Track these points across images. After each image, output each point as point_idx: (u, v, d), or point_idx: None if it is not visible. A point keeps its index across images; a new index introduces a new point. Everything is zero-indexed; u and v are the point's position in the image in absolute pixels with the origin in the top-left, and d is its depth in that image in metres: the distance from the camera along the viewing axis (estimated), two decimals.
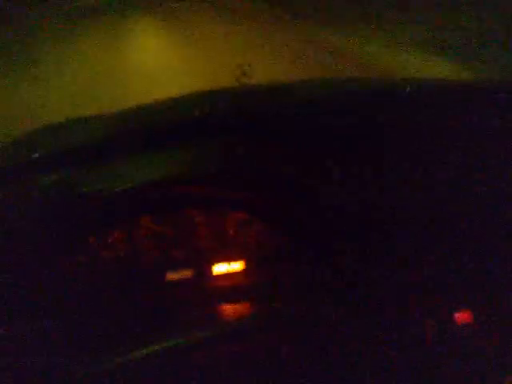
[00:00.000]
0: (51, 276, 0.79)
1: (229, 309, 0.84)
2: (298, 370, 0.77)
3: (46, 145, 0.95)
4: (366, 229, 0.83)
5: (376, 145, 0.87)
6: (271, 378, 0.75)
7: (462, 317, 0.81)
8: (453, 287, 0.83)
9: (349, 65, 4.91)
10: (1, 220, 0.74)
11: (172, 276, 0.87)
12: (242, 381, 0.76)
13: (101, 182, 0.79)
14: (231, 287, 0.87)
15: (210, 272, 0.89)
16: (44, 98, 4.10)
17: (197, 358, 0.76)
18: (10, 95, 4.39)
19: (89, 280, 0.84)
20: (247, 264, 0.89)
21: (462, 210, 0.85)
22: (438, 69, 4.58)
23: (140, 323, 0.80)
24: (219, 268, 0.89)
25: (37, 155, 0.85)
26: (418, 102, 0.96)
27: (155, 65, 5.56)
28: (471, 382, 0.78)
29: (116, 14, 9.15)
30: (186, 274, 0.87)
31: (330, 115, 0.92)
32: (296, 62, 5.16)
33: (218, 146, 0.85)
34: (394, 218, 0.84)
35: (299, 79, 1.19)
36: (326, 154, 0.86)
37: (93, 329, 0.77)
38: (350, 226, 0.82)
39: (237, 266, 0.89)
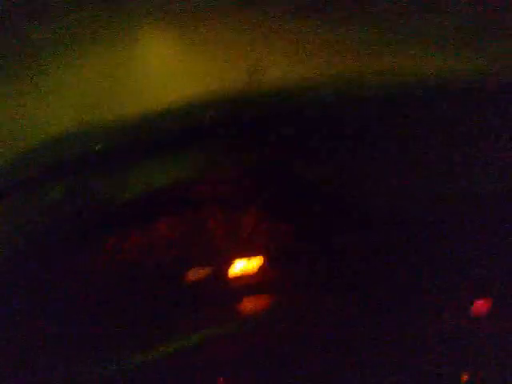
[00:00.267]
0: (69, 282, 0.81)
1: (246, 306, 0.85)
2: (311, 366, 0.78)
3: (57, 152, 0.97)
4: (379, 222, 0.83)
5: (382, 145, 0.88)
6: (285, 374, 0.76)
7: (477, 309, 0.81)
8: (468, 280, 0.83)
9: None
10: (16, 230, 0.77)
11: (190, 275, 0.88)
12: (257, 376, 0.77)
13: (115, 187, 0.80)
14: (248, 285, 0.88)
15: (227, 271, 0.90)
16: None
17: (214, 355, 0.77)
18: None
19: (107, 284, 0.86)
20: (263, 262, 0.90)
21: (474, 202, 0.85)
22: None
23: (158, 323, 0.81)
24: (235, 267, 0.90)
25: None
26: (421, 101, 0.96)
27: None
28: (488, 376, 0.78)
29: None
30: (203, 274, 0.88)
31: (338, 115, 0.93)
32: None
33: (232, 147, 0.86)
34: (407, 211, 0.84)
35: (310, 77, 1.20)
36: (336, 154, 0.86)
37: (112, 330, 0.78)
38: (363, 223, 0.83)
39: (252, 264, 0.90)
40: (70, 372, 0.72)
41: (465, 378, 0.78)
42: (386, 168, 0.85)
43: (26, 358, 0.74)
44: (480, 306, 0.81)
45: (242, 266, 0.90)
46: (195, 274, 0.88)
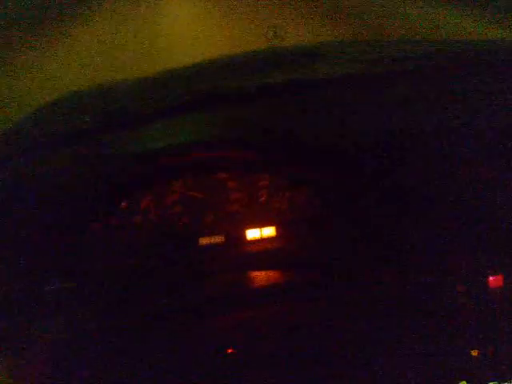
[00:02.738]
0: (84, 241, 0.82)
1: (260, 274, 0.85)
2: (322, 339, 0.78)
3: (78, 109, 0.96)
4: (399, 193, 0.82)
5: (406, 110, 0.85)
6: (300, 343, 0.77)
7: (493, 281, 0.81)
8: (484, 251, 0.82)
9: None
10: (34, 187, 0.76)
11: (204, 241, 0.88)
12: (270, 345, 0.77)
13: (132, 147, 0.79)
14: (263, 252, 0.87)
15: (242, 237, 0.89)
16: None
17: (227, 322, 0.78)
18: None
19: (121, 245, 0.86)
20: (279, 229, 0.89)
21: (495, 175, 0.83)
22: None
23: (171, 287, 0.82)
24: (251, 233, 0.89)
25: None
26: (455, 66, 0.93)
27: None
28: (500, 351, 0.79)
29: None
30: (218, 238, 0.88)
31: (361, 80, 0.90)
32: None
33: (251, 110, 0.84)
34: (426, 180, 0.83)
35: (330, 40, 1.16)
36: (357, 119, 0.84)
37: (123, 292, 0.79)
38: (384, 190, 0.82)
39: (268, 230, 0.89)
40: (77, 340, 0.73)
41: (475, 353, 0.78)
42: (402, 133, 0.83)
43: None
44: (494, 280, 0.81)
45: (256, 235, 0.89)
46: (208, 241, 0.88)
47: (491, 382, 0.78)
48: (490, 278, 0.80)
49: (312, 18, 5.59)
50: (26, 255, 0.75)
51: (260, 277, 0.85)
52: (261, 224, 0.89)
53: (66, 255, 0.79)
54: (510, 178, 0.82)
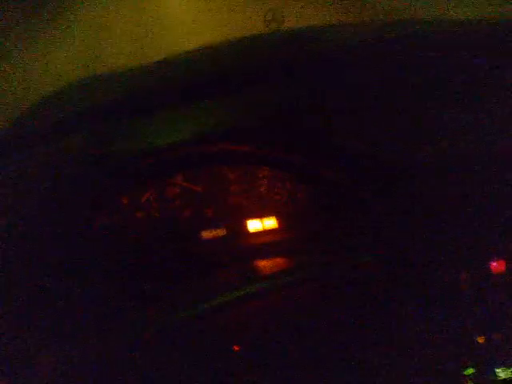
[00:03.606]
0: (85, 237, 0.81)
1: (263, 264, 0.85)
2: (333, 323, 0.78)
3: (76, 101, 0.95)
4: (400, 182, 0.81)
5: (407, 95, 0.83)
6: (306, 331, 0.77)
7: (496, 267, 0.80)
8: (487, 238, 0.81)
9: None
10: (34, 178, 0.76)
11: (206, 233, 0.88)
12: (277, 334, 0.77)
13: (132, 140, 0.79)
14: (264, 243, 0.88)
15: (243, 228, 0.89)
16: None
17: (233, 314, 0.77)
18: None
19: (123, 240, 0.86)
20: (280, 220, 0.89)
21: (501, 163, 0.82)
22: None
23: (175, 281, 0.81)
24: (252, 224, 0.90)
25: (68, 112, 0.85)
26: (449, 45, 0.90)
27: None
28: (504, 337, 0.79)
29: None
30: (220, 231, 0.88)
31: (360, 63, 0.88)
32: None
33: (250, 102, 0.83)
34: (427, 169, 0.82)
35: (330, 24, 1.14)
36: (358, 108, 0.83)
37: (123, 289, 0.79)
38: (384, 180, 0.81)
39: (270, 222, 0.90)
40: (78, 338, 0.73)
41: (481, 339, 0.78)
42: (417, 119, 0.81)
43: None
44: (497, 266, 0.80)
45: (257, 226, 0.89)
46: (210, 234, 0.87)
47: (498, 367, 0.78)
48: (493, 264, 0.80)
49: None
50: (27, 252, 0.75)
51: (263, 269, 0.85)
52: (262, 215, 0.89)
53: (67, 251, 0.78)
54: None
